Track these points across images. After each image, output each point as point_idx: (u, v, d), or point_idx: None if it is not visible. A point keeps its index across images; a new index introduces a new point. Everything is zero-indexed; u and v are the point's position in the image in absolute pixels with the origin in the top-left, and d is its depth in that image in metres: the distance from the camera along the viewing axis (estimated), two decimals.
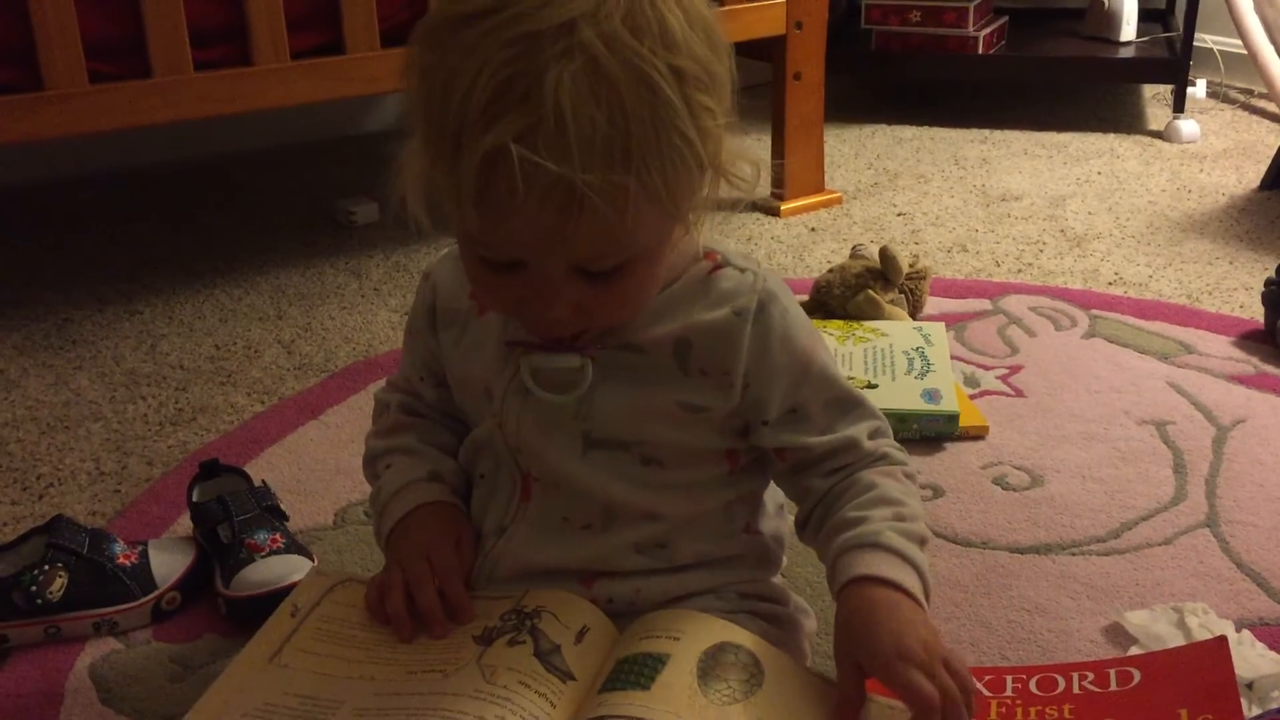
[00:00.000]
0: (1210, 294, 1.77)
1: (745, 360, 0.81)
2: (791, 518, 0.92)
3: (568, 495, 0.85)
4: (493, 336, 0.85)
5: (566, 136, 0.66)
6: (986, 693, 0.92)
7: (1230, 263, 1.89)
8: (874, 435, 0.87)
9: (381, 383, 1.05)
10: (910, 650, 0.74)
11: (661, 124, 0.68)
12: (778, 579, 0.95)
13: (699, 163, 0.72)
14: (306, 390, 1.55)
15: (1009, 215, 2.15)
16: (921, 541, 0.82)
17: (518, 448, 0.86)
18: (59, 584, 1.06)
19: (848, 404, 0.87)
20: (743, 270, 0.83)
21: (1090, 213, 2.15)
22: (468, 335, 0.87)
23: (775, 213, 2.18)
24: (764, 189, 2.22)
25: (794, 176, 2.19)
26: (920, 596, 0.79)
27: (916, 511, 0.84)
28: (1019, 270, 1.90)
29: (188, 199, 2.41)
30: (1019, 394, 1.48)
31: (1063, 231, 2.06)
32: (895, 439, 1.36)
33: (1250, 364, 1.53)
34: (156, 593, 1.10)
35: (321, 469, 1.34)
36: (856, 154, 2.55)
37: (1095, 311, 1.70)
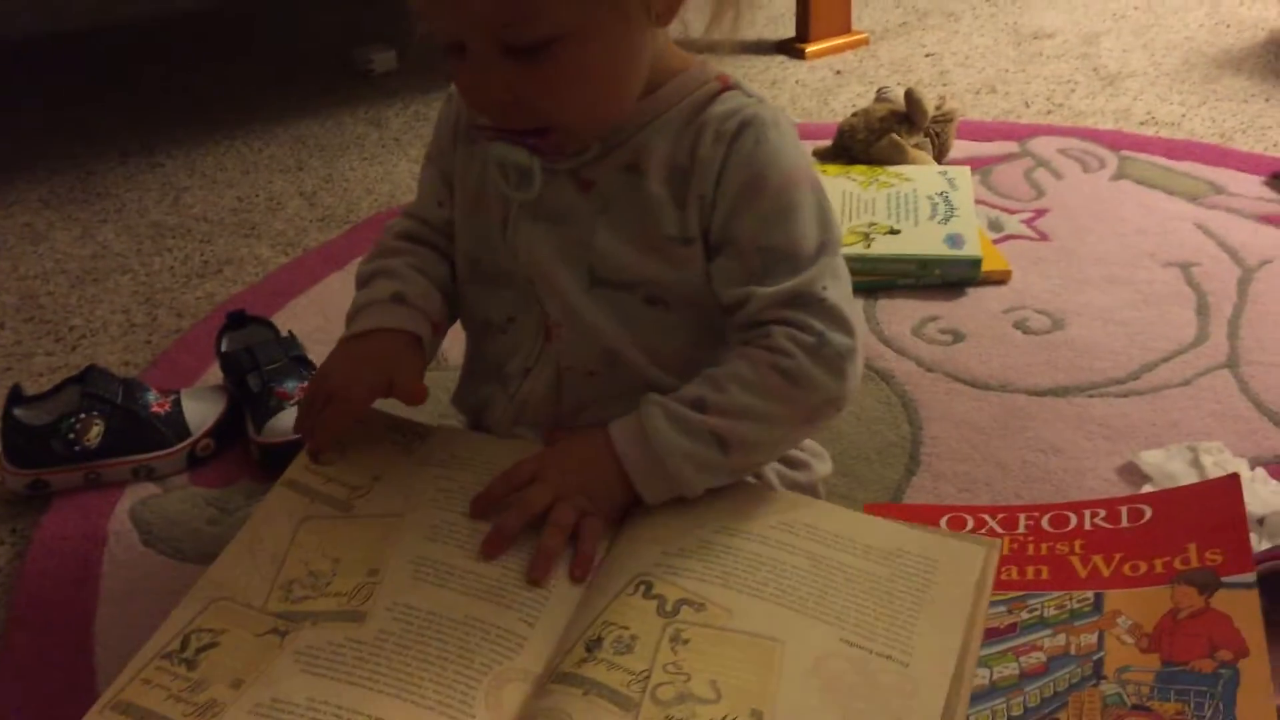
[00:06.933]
0: (1244, 132, 1.73)
1: (714, 182, 0.81)
2: None
3: (578, 337, 0.86)
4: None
5: None
6: (1000, 530, 0.94)
7: (1266, 100, 1.84)
8: (784, 300, 0.80)
9: None
10: (550, 469, 0.80)
11: None
12: None
13: None
14: (329, 242, 1.56)
15: (1041, 54, 2.10)
16: (708, 433, 0.79)
17: (529, 278, 0.86)
18: (96, 431, 1.09)
19: (782, 256, 0.80)
20: (748, 97, 0.83)
21: (1125, 50, 2.09)
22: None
23: (800, 55, 2.13)
24: (786, 30, 2.17)
25: (819, 17, 2.14)
26: (631, 458, 0.79)
27: (728, 402, 0.79)
28: (1049, 111, 1.86)
29: (203, 47, 2.39)
30: (1043, 238, 1.47)
31: (1095, 70, 2.01)
32: (918, 284, 1.37)
33: None
34: (191, 439, 1.13)
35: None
36: None
37: (1125, 152, 1.67)
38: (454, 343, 0.95)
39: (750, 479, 0.87)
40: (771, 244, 0.80)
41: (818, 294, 0.80)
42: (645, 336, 0.85)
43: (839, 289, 0.81)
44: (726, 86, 0.83)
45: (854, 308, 0.82)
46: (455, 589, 0.76)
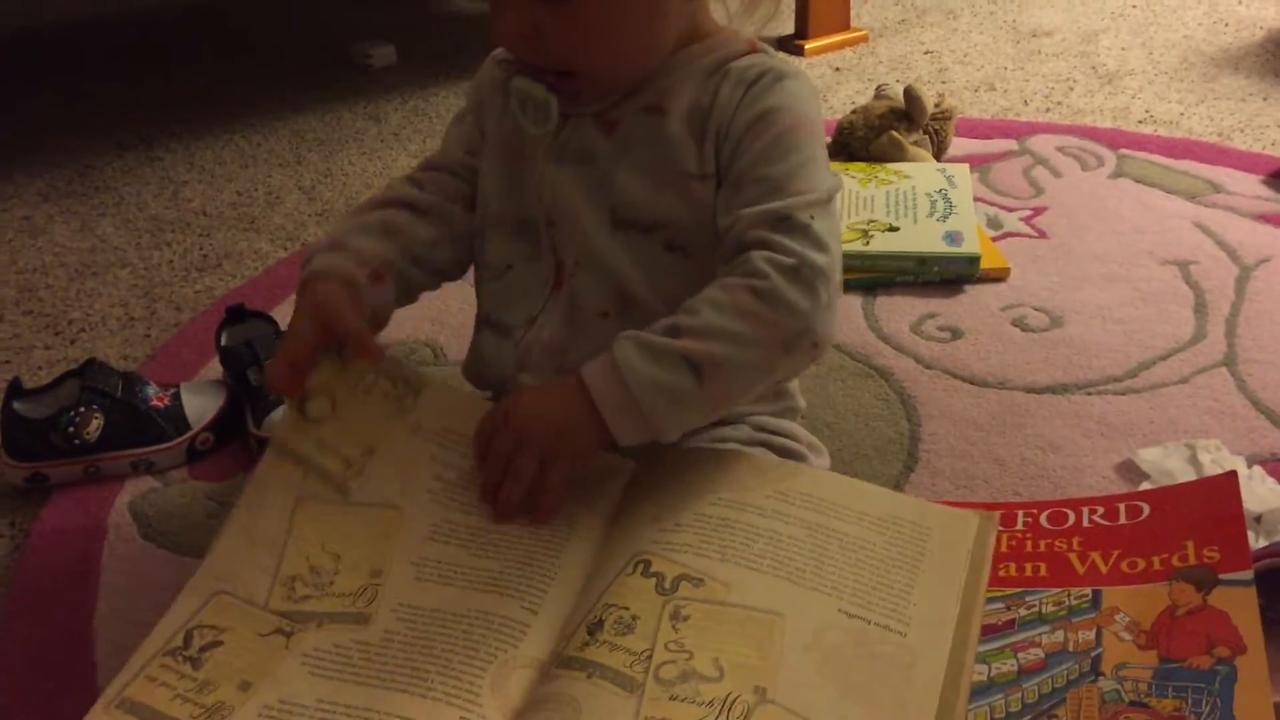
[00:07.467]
0: (1242, 131, 1.74)
1: (728, 119, 0.83)
2: None
3: (595, 278, 0.87)
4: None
5: None
6: (998, 527, 0.94)
7: (1264, 99, 1.85)
8: (768, 220, 0.79)
9: None
10: (515, 415, 0.79)
11: None
12: (798, 421, 0.97)
13: None
14: None
15: (1039, 52, 2.10)
16: (680, 359, 0.77)
17: (551, 220, 0.88)
18: (95, 425, 1.09)
19: (776, 186, 0.81)
20: (773, 58, 0.86)
21: (1123, 48, 2.09)
22: None
23: (799, 52, 2.13)
24: (786, 27, 2.17)
25: (818, 13, 2.14)
26: (601, 395, 0.77)
27: (701, 325, 0.77)
28: (1047, 109, 1.86)
29: (201, 41, 2.38)
30: (1042, 235, 1.47)
31: (1094, 68, 2.01)
32: (916, 281, 1.38)
33: (1278, 203, 1.51)
34: (190, 433, 1.13)
35: None
36: None
37: (1123, 151, 1.68)
38: (453, 338, 0.95)
39: (743, 448, 0.87)
40: (769, 174, 0.81)
41: (803, 220, 0.79)
42: (662, 281, 0.85)
43: (825, 224, 0.80)
44: (754, 49, 0.86)
45: (838, 243, 0.81)
46: (459, 585, 0.76)
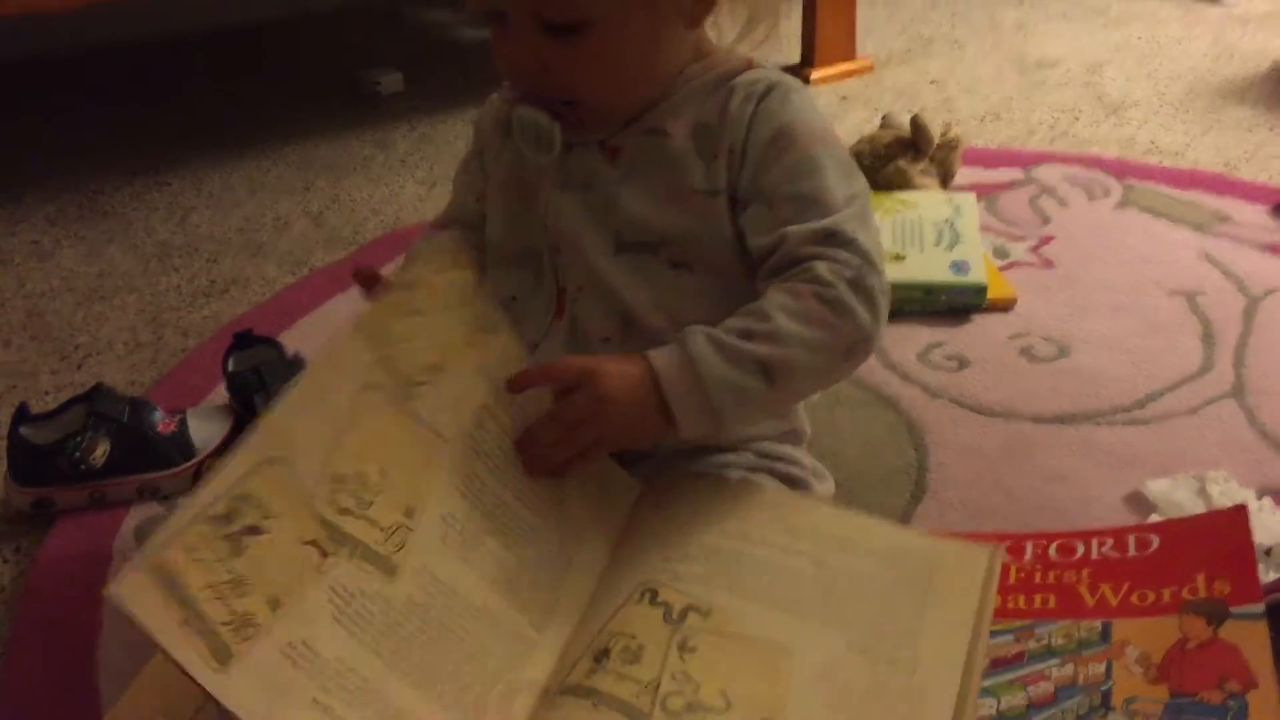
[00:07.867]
0: (1248, 161, 1.74)
1: (743, 135, 0.84)
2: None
3: (597, 302, 0.87)
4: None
5: None
6: (1006, 558, 0.93)
7: (1270, 129, 1.85)
8: (818, 238, 0.81)
9: None
10: (597, 391, 0.78)
11: None
12: (802, 447, 0.97)
13: None
14: (336, 263, 1.56)
15: (1045, 82, 2.11)
16: (754, 362, 0.78)
17: (556, 246, 0.89)
18: (101, 450, 1.09)
19: (811, 201, 0.83)
20: (772, 71, 0.87)
21: (1128, 79, 2.10)
22: None
23: (805, 80, 2.14)
24: (792, 55, 2.18)
25: (824, 43, 2.15)
26: (667, 383, 0.78)
27: (774, 329, 0.79)
28: (1053, 139, 1.87)
29: (210, 69, 2.40)
30: (1049, 265, 1.48)
31: (1099, 98, 2.02)
32: (923, 311, 1.38)
33: None
34: (197, 459, 1.13)
35: None
36: (889, 18, 2.49)
37: (1129, 181, 1.68)
38: None
39: (748, 475, 0.87)
40: (801, 191, 0.83)
41: (849, 234, 0.81)
42: (668, 300, 0.86)
43: (868, 235, 0.83)
44: (752, 65, 0.88)
45: (881, 254, 0.83)
46: (476, 569, 0.76)
